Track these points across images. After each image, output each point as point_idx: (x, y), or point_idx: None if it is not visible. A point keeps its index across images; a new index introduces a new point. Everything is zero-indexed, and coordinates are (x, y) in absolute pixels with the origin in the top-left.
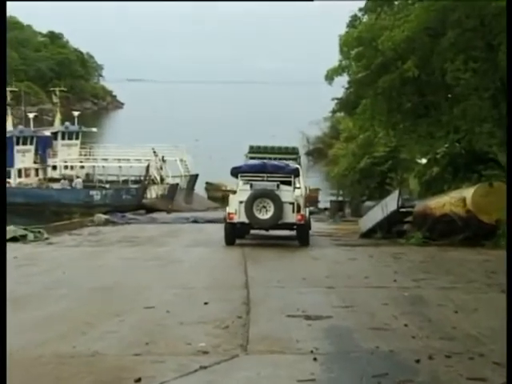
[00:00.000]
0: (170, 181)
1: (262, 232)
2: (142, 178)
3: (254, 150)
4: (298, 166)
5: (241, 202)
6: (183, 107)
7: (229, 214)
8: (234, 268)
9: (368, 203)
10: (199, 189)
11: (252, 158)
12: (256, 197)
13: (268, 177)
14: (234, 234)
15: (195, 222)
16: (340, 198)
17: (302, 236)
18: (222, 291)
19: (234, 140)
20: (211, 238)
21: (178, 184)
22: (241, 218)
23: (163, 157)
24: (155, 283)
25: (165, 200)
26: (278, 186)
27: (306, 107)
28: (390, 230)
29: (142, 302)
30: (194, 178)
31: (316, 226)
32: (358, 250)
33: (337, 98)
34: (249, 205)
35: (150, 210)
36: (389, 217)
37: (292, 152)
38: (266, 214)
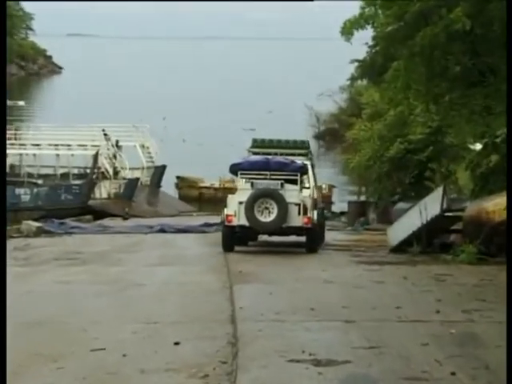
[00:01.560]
0: (126, 174)
1: (264, 237)
2: (89, 171)
3: (258, 145)
4: (307, 162)
5: (240, 203)
6: (147, 73)
7: (227, 216)
8: (215, 293)
9: (400, 205)
10: (168, 185)
11: (255, 154)
12: (257, 197)
13: (271, 175)
14: (233, 239)
15: (162, 231)
16: (362, 198)
17: (309, 242)
18: (198, 327)
19: (217, 119)
20: (184, 253)
21: (138, 179)
22: (240, 220)
23: (117, 141)
24: (107, 316)
25: (120, 201)
26: (282, 184)
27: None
28: (431, 241)
29: (89, 342)
30: (160, 171)
31: (329, 237)
32: (387, 269)
33: (357, 60)
34: (249, 206)
35: (100, 214)
36: (429, 224)
37: (301, 146)
38: (268, 216)
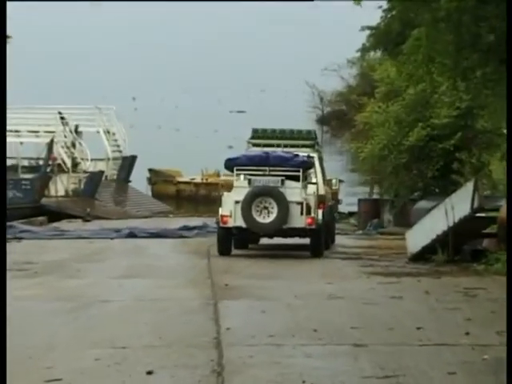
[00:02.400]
0: (88, 167)
1: (265, 239)
2: (42, 163)
3: (259, 135)
4: (313, 154)
5: (237, 202)
6: (114, 40)
7: (222, 216)
8: (196, 312)
9: (422, 204)
10: (138, 180)
11: (255, 146)
12: (255, 195)
13: (271, 170)
14: (229, 241)
15: (132, 236)
16: (375, 196)
17: (313, 245)
18: (176, 352)
19: (199, 99)
20: (159, 263)
21: (102, 172)
22: (237, 221)
23: (77, 126)
24: (64, 340)
25: (80, 199)
26: (282, 181)
27: (317, 42)
28: (459, 248)
29: (42, 371)
30: (129, 163)
31: (335, 244)
32: (406, 282)
33: (369, 27)
34: (246, 205)
35: (56, 216)
36: (457, 227)
37: (308, 137)
38: (267, 216)
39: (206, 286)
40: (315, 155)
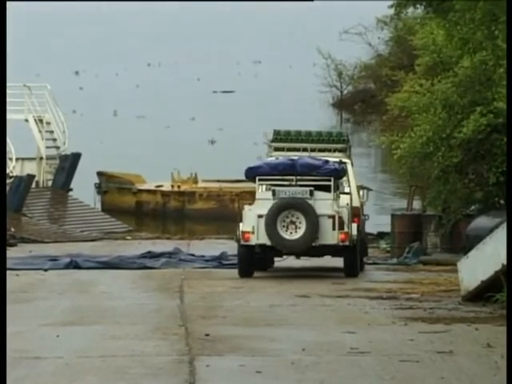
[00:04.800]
0: (12, 169)
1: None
2: None
3: (282, 138)
4: (346, 160)
5: (260, 217)
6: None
7: (243, 233)
8: (166, 374)
9: (481, 221)
10: (83, 188)
11: (277, 150)
12: (281, 208)
13: (298, 180)
14: (252, 261)
15: (74, 266)
16: (415, 210)
17: (348, 264)
18: None
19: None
20: (113, 303)
21: (32, 177)
22: (260, 238)
23: None
24: None
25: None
26: (311, 192)
27: None
28: None
29: None
30: (69, 164)
31: (358, 277)
32: (458, 331)
33: None
34: (271, 220)
35: None
36: None
37: (338, 140)
38: (295, 232)
39: (178, 336)
40: (348, 161)
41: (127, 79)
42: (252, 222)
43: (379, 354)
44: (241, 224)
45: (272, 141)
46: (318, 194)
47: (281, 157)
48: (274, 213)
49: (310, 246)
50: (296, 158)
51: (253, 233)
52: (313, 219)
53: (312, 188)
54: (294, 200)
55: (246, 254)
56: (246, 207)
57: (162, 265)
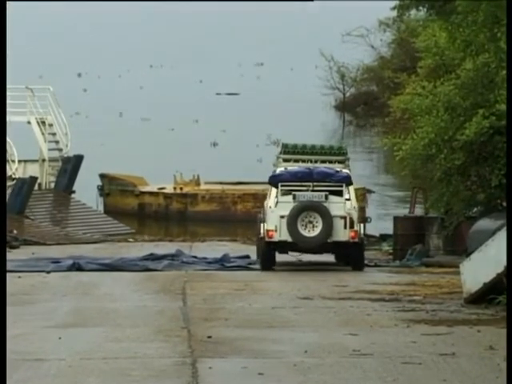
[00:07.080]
0: (16, 171)
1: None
2: None
3: (289, 151)
4: (346, 171)
5: (282, 217)
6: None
7: (268, 231)
8: (168, 376)
9: (484, 223)
10: (86, 190)
11: (285, 161)
12: (301, 210)
13: (314, 186)
14: (273, 256)
15: (76, 268)
16: (418, 212)
17: (356, 258)
18: None
19: (174, 78)
20: (115, 305)
21: (34, 179)
22: (282, 235)
23: None
24: None
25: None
26: (326, 196)
27: None
28: None
29: None
30: (72, 166)
31: (361, 278)
32: (461, 333)
33: None
34: (292, 220)
35: None
36: None
37: (338, 153)
38: (312, 230)
39: (180, 338)
40: (347, 171)
41: (130, 81)
42: (275, 222)
43: (381, 356)
44: (262, 224)
45: (280, 153)
46: (332, 198)
47: (289, 167)
48: (295, 214)
49: (325, 242)
50: (312, 167)
51: (276, 231)
52: (328, 219)
53: (327, 193)
54: (312, 203)
55: (268, 249)
56: (269, 209)
57: (165, 267)
